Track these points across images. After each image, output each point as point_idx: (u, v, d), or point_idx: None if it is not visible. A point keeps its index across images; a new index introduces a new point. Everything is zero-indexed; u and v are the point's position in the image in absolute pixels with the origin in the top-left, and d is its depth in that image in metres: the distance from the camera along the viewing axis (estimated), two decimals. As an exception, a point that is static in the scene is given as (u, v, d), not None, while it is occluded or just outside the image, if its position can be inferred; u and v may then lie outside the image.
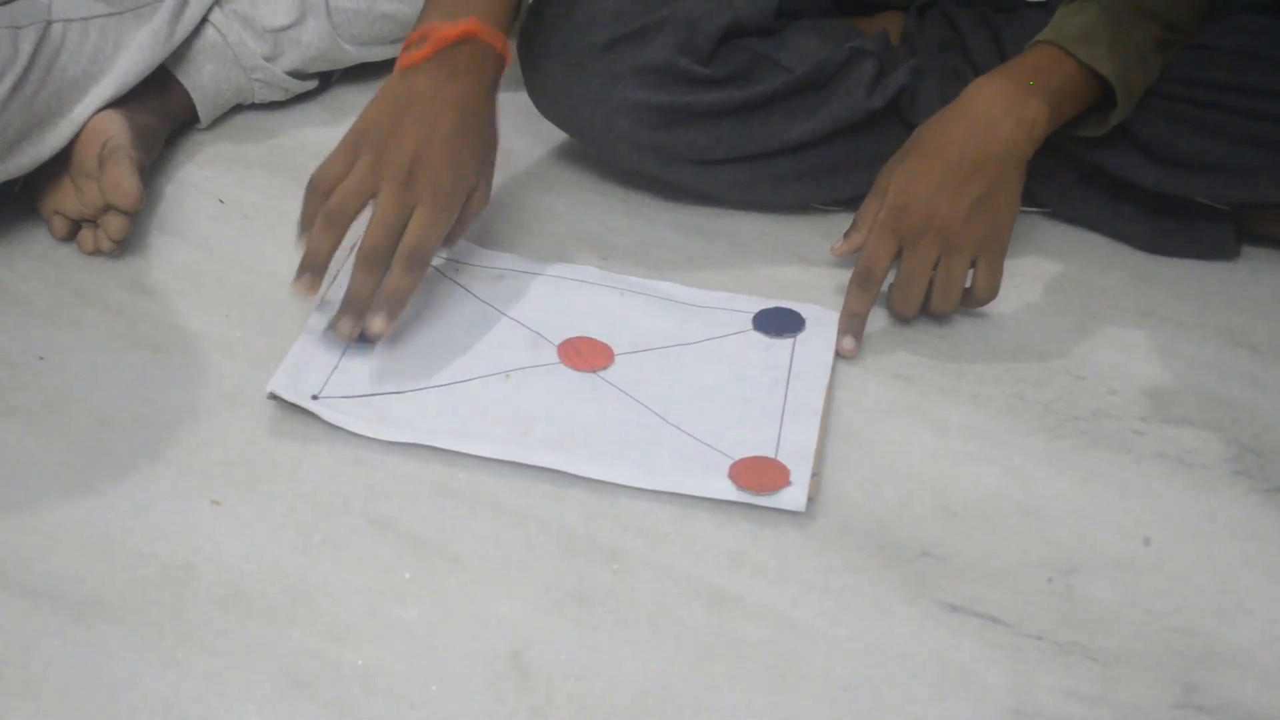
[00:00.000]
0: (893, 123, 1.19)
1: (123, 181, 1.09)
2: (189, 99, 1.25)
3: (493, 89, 1.05)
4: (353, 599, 0.87)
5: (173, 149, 1.26)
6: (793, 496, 0.94)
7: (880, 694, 0.83)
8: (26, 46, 1.08)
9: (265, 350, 1.03)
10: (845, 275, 1.09)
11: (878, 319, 1.11)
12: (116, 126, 1.13)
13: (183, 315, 1.08)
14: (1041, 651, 0.86)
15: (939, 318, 1.11)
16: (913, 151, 1.08)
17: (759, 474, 0.95)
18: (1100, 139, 1.14)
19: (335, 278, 1.07)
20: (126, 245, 1.13)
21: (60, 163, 1.13)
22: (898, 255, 1.07)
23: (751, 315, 1.09)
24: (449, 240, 1.03)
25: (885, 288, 1.10)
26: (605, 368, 1.04)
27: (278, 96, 1.31)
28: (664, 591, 0.89)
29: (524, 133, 1.27)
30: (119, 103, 1.16)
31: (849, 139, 1.19)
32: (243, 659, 0.83)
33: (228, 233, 1.17)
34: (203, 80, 1.25)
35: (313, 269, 0.99)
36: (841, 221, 1.15)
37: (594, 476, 0.95)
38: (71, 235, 1.14)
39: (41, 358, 1.03)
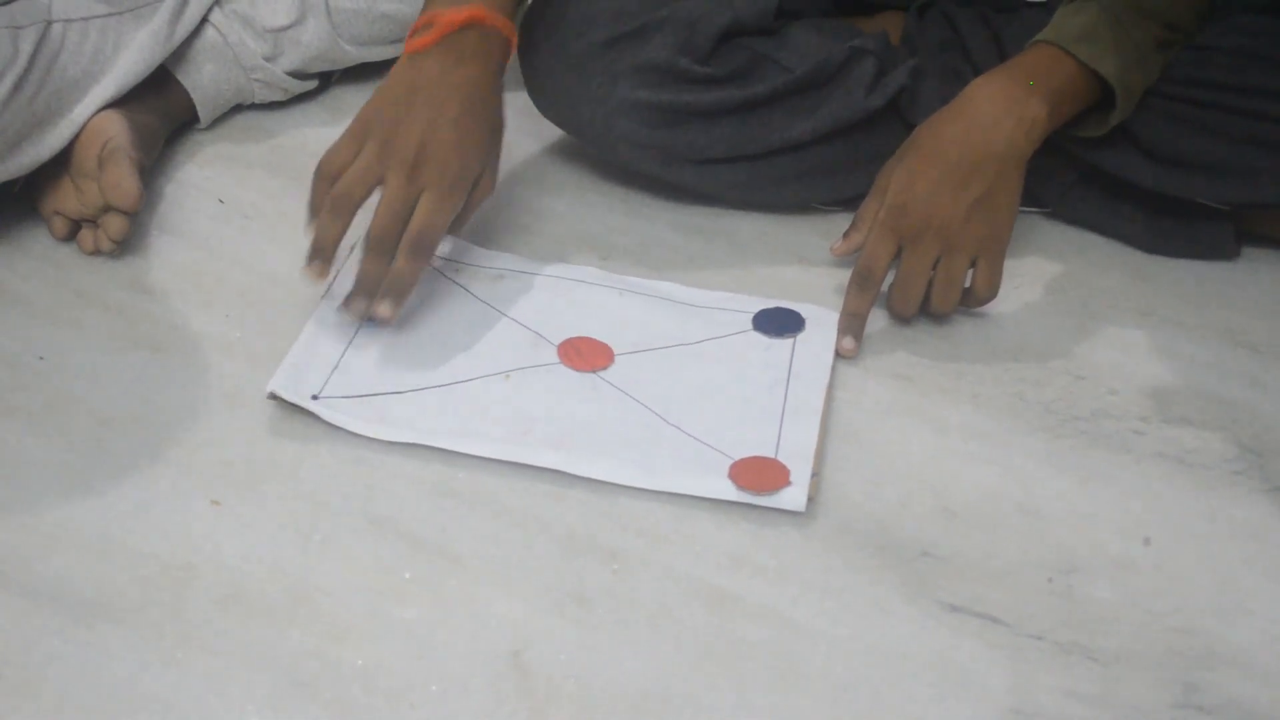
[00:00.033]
0: (892, 122, 1.19)
1: (123, 181, 1.09)
2: (189, 99, 1.25)
3: (499, 74, 1.05)
4: (353, 599, 0.87)
5: (173, 149, 1.26)
6: (793, 496, 0.94)
7: (880, 694, 0.83)
8: (26, 47, 1.08)
9: (265, 350, 1.03)
10: (845, 275, 1.09)
11: (878, 319, 1.11)
12: (116, 127, 1.13)
13: (183, 315, 1.08)
14: (1041, 651, 0.86)
15: (939, 318, 1.11)
16: (912, 151, 1.08)
17: (759, 474, 0.95)
18: (1100, 139, 1.14)
19: (343, 265, 1.07)
20: (126, 245, 1.13)
21: (60, 163, 1.13)
22: (897, 255, 1.07)
23: (751, 315, 1.09)
24: (456, 225, 1.04)
25: (885, 288, 1.10)
26: (605, 368, 1.04)
27: (278, 96, 1.31)
28: (664, 591, 0.89)
29: (524, 133, 1.27)
30: (119, 103, 1.16)
31: (849, 139, 1.19)
32: (243, 659, 0.83)
33: (228, 233, 1.17)
34: (203, 80, 1.25)
35: (322, 255, 1.00)
36: (841, 221, 1.15)
37: (594, 476, 0.95)
38: (71, 235, 1.14)
39: (41, 358, 1.03)
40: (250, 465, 0.95)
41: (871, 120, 1.19)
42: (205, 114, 1.27)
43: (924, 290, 1.08)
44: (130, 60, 1.16)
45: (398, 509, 0.93)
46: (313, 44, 1.30)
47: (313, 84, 1.34)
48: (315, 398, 0.99)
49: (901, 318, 1.11)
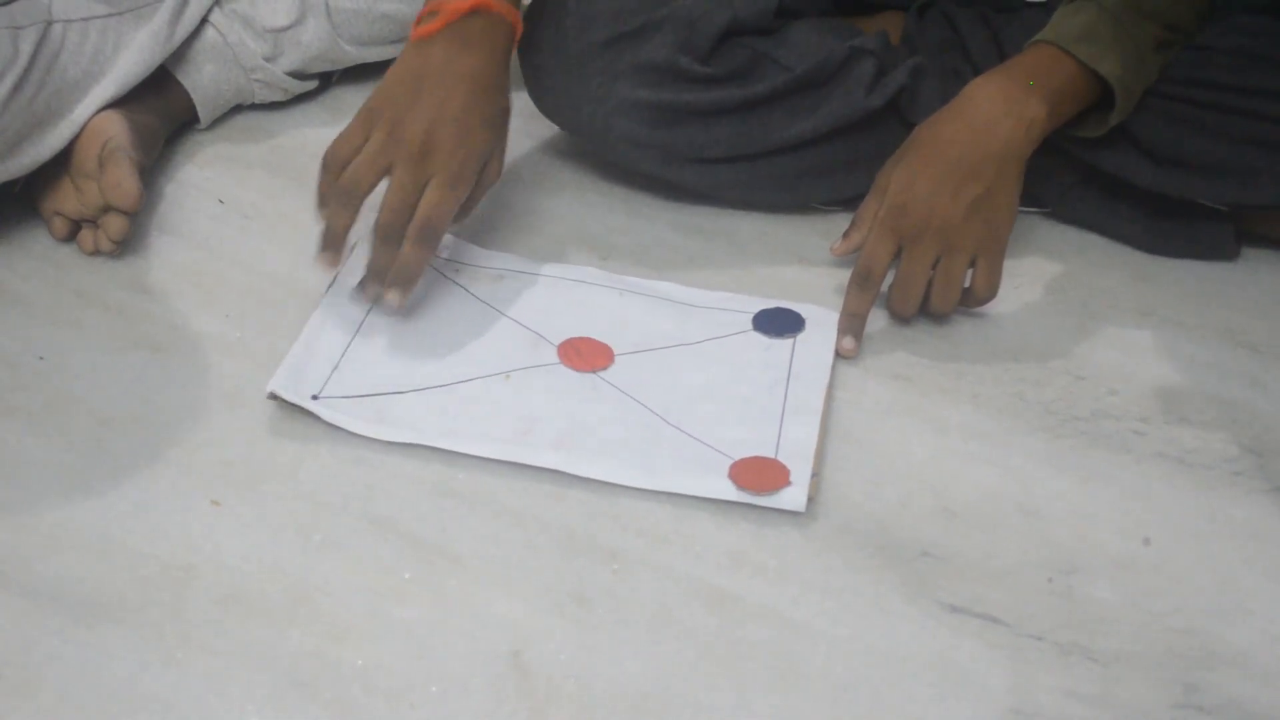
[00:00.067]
0: (892, 122, 1.19)
1: (123, 182, 1.09)
2: (189, 99, 1.25)
3: (505, 60, 1.06)
4: (353, 599, 0.87)
5: (173, 149, 1.26)
6: (793, 496, 0.94)
7: (880, 694, 0.83)
8: (27, 47, 1.08)
9: (265, 350, 1.03)
10: (845, 275, 1.09)
11: (877, 319, 1.11)
12: (116, 127, 1.13)
13: (183, 315, 1.08)
14: (1041, 651, 0.86)
15: (938, 318, 1.11)
16: (912, 151, 1.08)
17: (759, 474, 0.95)
18: (1099, 139, 1.14)
19: (344, 263, 1.07)
20: (126, 245, 1.13)
21: (60, 163, 1.13)
22: (897, 255, 1.07)
23: (751, 315, 1.09)
24: (464, 211, 1.05)
25: (885, 288, 1.10)
26: (605, 368, 1.04)
27: (278, 97, 1.31)
28: (664, 591, 0.89)
29: (524, 133, 1.27)
30: (119, 103, 1.16)
31: (848, 138, 1.19)
32: (243, 659, 0.83)
33: (228, 233, 1.17)
34: (203, 80, 1.25)
35: (332, 246, 1.02)
36: (841, 221, 1.15)
37: (594, 476, 0.95)
38: (71, 235, 1.14)
39: (41, 358, 1.03)
40: (250, 465, 0.95)
41: (871, 120, 1.19)
42: (205, 114, 1.27)
43: (924, 290, 1.08)
44: (130, 60, 1.16)
45: (398, 509, 0.93)
46: (313, 44, 1.30)
47: (313, 84, 1.33)
48: (315, 398, 0.99)
49: (901, 318, 1.11)
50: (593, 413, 1.00)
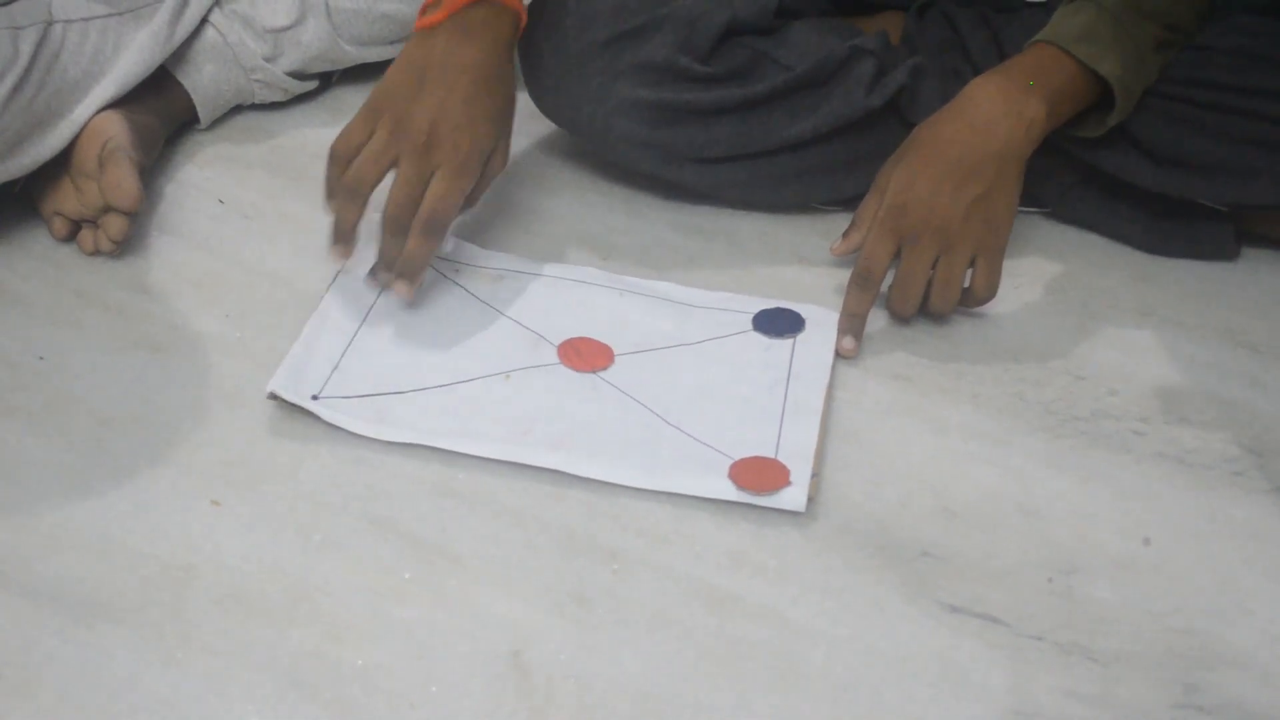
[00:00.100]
0: (892, 122, 1.19)
1: (123, 182, 1.09)
2: (189, 99, 1.25)
3: (509, 49, 1.06)
4: (353, 599, 0.87)
5: (173, 149, 1.26)
6: (793, 496, 0.94)
7: (880, 694, 0.83)
8: (27, 47, 1.08)
9: (265, 350, 1.03)
10: (845, 275, 1.09)
11: (877, 319, 1.11)
12: (116, 127, 1.13)
13: (183, 315, 1.08)
14: (1041, 651, 0.86)
15: (938, 318, 1.11)
16: (911, 150, 1.08)
17: (759, 474, 0.95)
18: (1099, 139, 1.14)
19: (345, 263, 1.07)
20: (126, 245, 1.13)
21: (60, 163, 1.13)
22: (897, 255, 1.07)
23: (751, 315, 1.09)
24: (470, 201, 1.05)
25: (885, 288, 1.10)
26: (605, 368, 1.04)
27: (278, 97, 1.31)
28: (664, 591, 0.89)
29: (524, 133, 1.27)
30: (119, 103, 1.16)
31: (848, 138, 1.19)
32: (243, 659, 0.83)
33: (228, 233, 1.17)
34: (203, 81, 1.25)
35: (342, 239, 1.03)
36: (841, 221, 1.15)
37: (594, 476, 0.95)
38: (71, 235, 1.14)
39: (41, 358, 1.03)
40: (250, 465, 0.95)
41: (871, 120, 1.19)
42: (205, 114, 1.27)
43: (923, 290, 1.08)
44: (130, 61, 1.16)
45: (398, 509, 0.93)
46: (313, 44, 1.30)
47: (313, 84, 1.33)
48: (315, 398, 0.99)
49: (901, 318, 1.11)
50: (593, 413, 1.00)
